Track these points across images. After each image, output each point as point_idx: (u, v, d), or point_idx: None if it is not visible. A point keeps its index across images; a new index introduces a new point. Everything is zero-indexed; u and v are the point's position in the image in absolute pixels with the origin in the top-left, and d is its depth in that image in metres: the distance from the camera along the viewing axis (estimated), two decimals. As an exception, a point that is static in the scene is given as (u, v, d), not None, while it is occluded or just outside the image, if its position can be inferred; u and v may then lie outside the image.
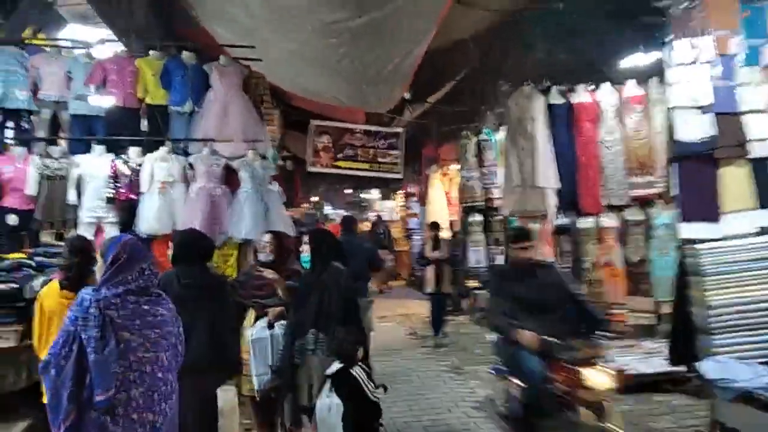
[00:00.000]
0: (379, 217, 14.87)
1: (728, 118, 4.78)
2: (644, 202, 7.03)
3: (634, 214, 7.08)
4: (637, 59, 7.00)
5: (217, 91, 5.58)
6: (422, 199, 11.88)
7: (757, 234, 4.84)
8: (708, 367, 4.46)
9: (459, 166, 9.77)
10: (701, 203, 4.87)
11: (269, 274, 4.29)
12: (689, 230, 4.87)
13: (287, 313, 4.16)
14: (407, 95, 8.48)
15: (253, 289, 4.33)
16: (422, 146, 12.31)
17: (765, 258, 4.72)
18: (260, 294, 4.30)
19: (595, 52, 7.20)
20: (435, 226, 8.41)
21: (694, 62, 4.78)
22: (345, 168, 12.05)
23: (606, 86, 7.08)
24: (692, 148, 4.80)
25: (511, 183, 7.03)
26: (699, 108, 4.79)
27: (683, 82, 4.80)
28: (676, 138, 4.82)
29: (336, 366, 3.64)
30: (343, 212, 16.39)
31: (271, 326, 4.19)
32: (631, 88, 7.03)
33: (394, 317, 9.76)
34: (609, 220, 7.12)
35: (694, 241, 4.80)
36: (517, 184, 6.97)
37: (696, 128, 4.79)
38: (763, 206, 4.84)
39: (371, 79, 7.19)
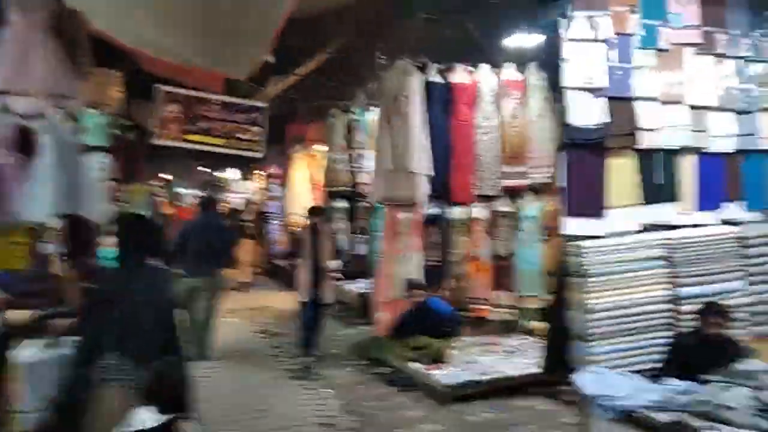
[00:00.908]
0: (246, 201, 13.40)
1: (622, 103, 4.27)
2: (514, 194, 6.54)
3: (504, 206, 6.56)
4: (519, 40, 6.45)
5: (15, 29, 4.01)
6: (284, 182, 10.71)
7: (641, 231, 4.45)
8: (585, 381, 3.91)
9: (326, 147, 8.77)
10: (588, 197, 4.32)
11: (58, 271, 2.97)
12: (574, 226, 4.31)
13: (79, 328, 2.89)
14: (270, 59, 7.25)
15: (29, 295, 2.98)
16: (288, 124, 11.10)
17: (647, 258, 4.32)
18: (38, 301, 2.97)
19: (477, 29, 6.55)
20: (316, 212, 6.44)
21: (591, 39, 4.19)
22: (197, 143, 10.38)
23: (485, 68, 6.46)
24: (584, 134, 4.22)
25: (381, 167, 6.17)
26: (593, 90, 4.23)
27: (578, 61, 4.19)
28: (568, 122, 4.21)
29: (151, 417, 2.46)
30: (198, 193, 14.63)
31: (53, 345, 2.89)
32: (511, 71, 6.47)
33: (244, 311, 8.48)
34: (480, 211, 6.55)
35: (577, 238, 4.28)
36: (387, 168, 6.12)
37: (589, 113, 4.22)
38: (648, 202, 4.43)
39: (227, 32, 5.91)
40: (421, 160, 6.12)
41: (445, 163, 6.36)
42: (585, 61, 4.18)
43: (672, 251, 4.27)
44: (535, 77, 6.32)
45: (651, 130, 4.34)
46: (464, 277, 6.56)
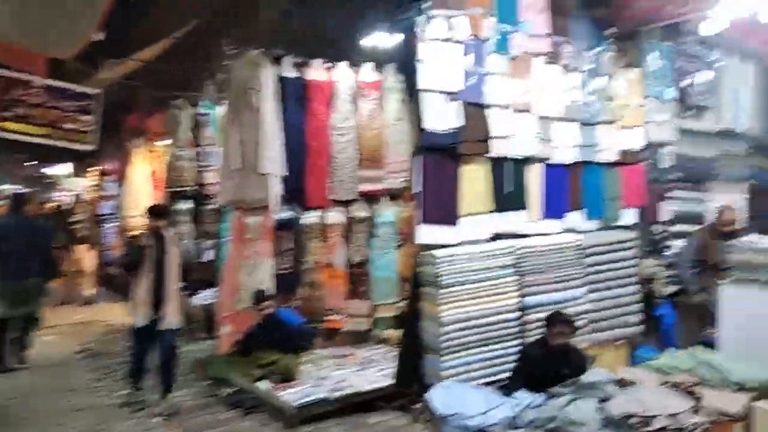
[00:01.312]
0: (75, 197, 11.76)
1: (476, 109, 4.16)
2: (371, 198, 6.29)
3: (359, 211, 6.28)
4: (377, 39, 6.21)
5: None
6: (121, 179, 9.52)
7: (492, 240, 4.39)
8: (437, 398, 3.72)
9: (170, 142, 7.87)
10: (442, 204, 4.16)
11: None
12: (428, 234, 4.12)
13: None
14: (99, 37, 6.27)
15: None
16: (127, 114, 9.87)
17: (498, 266, 4.26)
18: None
19: (335, 25, 6.19)
20: (159, 213, 4.96)
21: (448, 40, 4.03)
22: (13, 132, 8.87)
23: (343, 66, 6.12)
24: (438, 139, 4.05)
25: (229, 166, 5.56)
26: (448, 94, 4.08)
27: (434, 62, 4.00)
28: (423, 127, 4.01)
29: None
30: (20, 189, 12.62)
31: None
32: (368, 72, 6.21)
33: (66, 327, 7.28)
34: (335, 216, 6.20)
35: (431, 247, 4.10)
36: (236, 167, 5.53)
37: (443, 117, 4.06)
38: (499, 210, 4.38)
39: (47, 3, 4.98)
40: (273, 160, 5.62)
41: (299, 165, 5.91)
42: (441, 62, 4.01)
43: (519, 260, 4.25)
44: (393, 79, 6.12)
45: (502, 137, 4.30)
46: (318, 285, 6.17)
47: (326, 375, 5.27)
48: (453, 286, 3.94)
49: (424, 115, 3.98)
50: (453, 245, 4.11)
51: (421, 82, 3.99)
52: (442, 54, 4.00)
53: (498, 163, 4.35)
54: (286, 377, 5.04)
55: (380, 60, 6.28)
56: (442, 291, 3.89)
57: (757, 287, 4.30)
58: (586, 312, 4.52)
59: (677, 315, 5.15)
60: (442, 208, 4.11)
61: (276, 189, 5.70)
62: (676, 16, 4.63)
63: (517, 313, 4.21)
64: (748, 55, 5.92)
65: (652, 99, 5.15)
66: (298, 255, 6.10)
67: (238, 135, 5.62)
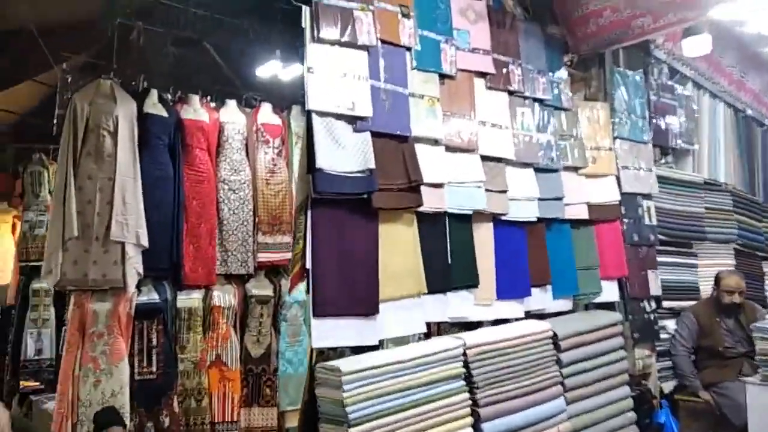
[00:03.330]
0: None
1: (395, 143, 2.76)
2: (273, 272, 4.72)
3: (259, 288, 4.67)
4: (277, 71, 4.83)
5: None
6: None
7: (425, 336, 2.90)
8: None
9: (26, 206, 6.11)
10: (348, 286, 2.64)
11: None
12: (326, 334, 2.58)
13: None
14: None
15: None
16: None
17: (438, 380, 2.74)
18: None
19: (223, 53, 4.79)
20: None
21: (347, 43, 2.64)
22: None
23: (232, 104, 4.67)
24: (339, 186, 2.59)
25: (60, 234, 3.87)
26: (353, 120, 2.67)
27: (329, 73, 2.60)
28: (317, 166, 2.54)
29: None
30: None
31: None
32: (268, 113, 4.77)
33: None
34: (224, 297, 4.55)
35: (332, 353, 2.56)
36: (72, 236, 3.84)
37: (346, 153, 2.62)
38: (433, 290, 2.91)
39: None
40: (131, 225, 3.97)
41: (171, 230, 4.24)
42: (338, 74, 2.62)
43: (471, 366, 2.75)
44: (298, 122, 4.72)
45: (436, 185, 2.90)
46: (200, 392, 4.42)
47: None
48: (370, 420, 2.37)
49: (317, 151, 2.53)
50: (368, 351, 2.59)
51: (312, 101, 2.57)
52: (340, 62, 2.61)
53: (433, 222, 2.93)
54: None
55: (285, 98, 4.91)
56: (352, 431, 2.31)
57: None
58: (568, 434, 3.04)
59: (679, 422, 3.77)
60: (348, 291, 2.60)
61: (134, 263, 4.03)
62: (650, 31, 3.49)
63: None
64: (718, 94, 4.93)
65: (623, 141, 3.95)
66: (169, 352, 4.37)
67: (77, 191, 3.97)
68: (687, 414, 3.80)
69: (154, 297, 4.33)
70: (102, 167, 4.06)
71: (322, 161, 2.54)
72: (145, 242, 4.09)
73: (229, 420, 4.57)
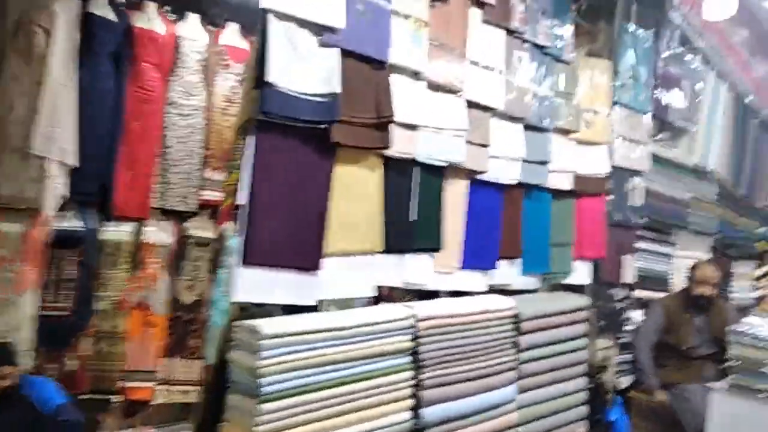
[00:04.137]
0: None
1: (367, 68, 2.26)
2: (217, 212, 4.21)
3: (200, 229, 4.14)
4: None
5: None
6: None
7: (375, 300, 2.47)
8: None
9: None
10: (288, 231, 2.17)
11: None
12: (252, 287, 2.13)
13: None
14: None
15: None
16: None
17: (381, 354, 2.32)
18: None
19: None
20: None
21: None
22: None
23: (194, 19, 4.02)
24: (292, 108, 2.08)
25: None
26: (317, 31, 2.15)
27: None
28: (268, 79, 2.03)
29: None
30: None
31: None
32: (234, 34, 4.15)
33: None
34: (158, 234, 4.02)
35: (257, 310, 2.12)
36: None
37: (305, 70, 2.11)
38: (394, 249, 2.48)
39: None
40: (58, 140, 3.36)
41: (106, 151, 3.63)
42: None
43: (419, 341, 2.35)
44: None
45: (410, 126, 2.43)
46: (115, 336, 3.92)
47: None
48: (288, 395, 1.94)
49: (270, 60, 2.01)
50: (301, 312, 2.15)
51: (267, 1, 2.03)
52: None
53: (399, 170, 2.47)
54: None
55: (256, 23, 4.27)
56: (264, 407, 1.87)
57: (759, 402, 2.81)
58: (515, 426, 2.70)
59: (630, 420, 3.50)
60: (287, 239, 2.14)
61: (57, 183, 3.45)
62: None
63: (406, 437, 2.28)
64: (724, 74, 4.55)
65: (623, 108, 3.53)
66: (86, 287, 3.84)
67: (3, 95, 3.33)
68: (639, 413, 3.53)
69: (77, 224, 3.77)
70: (30, 70, 3.41)
71: (276, 75, 2.02)
72: (72, 161, 3.50)
73: (146, 369, 4.09)
